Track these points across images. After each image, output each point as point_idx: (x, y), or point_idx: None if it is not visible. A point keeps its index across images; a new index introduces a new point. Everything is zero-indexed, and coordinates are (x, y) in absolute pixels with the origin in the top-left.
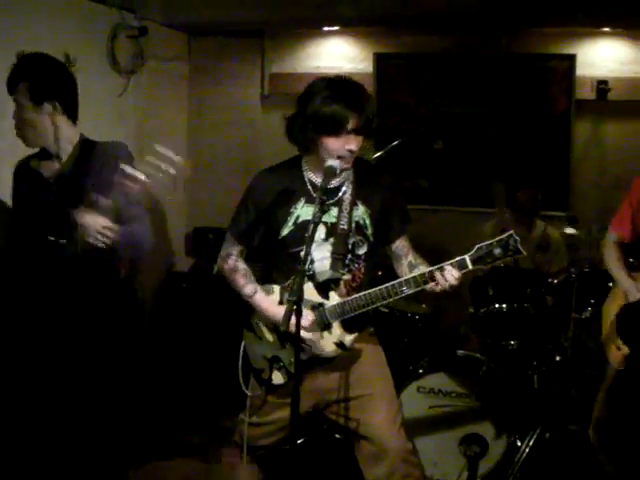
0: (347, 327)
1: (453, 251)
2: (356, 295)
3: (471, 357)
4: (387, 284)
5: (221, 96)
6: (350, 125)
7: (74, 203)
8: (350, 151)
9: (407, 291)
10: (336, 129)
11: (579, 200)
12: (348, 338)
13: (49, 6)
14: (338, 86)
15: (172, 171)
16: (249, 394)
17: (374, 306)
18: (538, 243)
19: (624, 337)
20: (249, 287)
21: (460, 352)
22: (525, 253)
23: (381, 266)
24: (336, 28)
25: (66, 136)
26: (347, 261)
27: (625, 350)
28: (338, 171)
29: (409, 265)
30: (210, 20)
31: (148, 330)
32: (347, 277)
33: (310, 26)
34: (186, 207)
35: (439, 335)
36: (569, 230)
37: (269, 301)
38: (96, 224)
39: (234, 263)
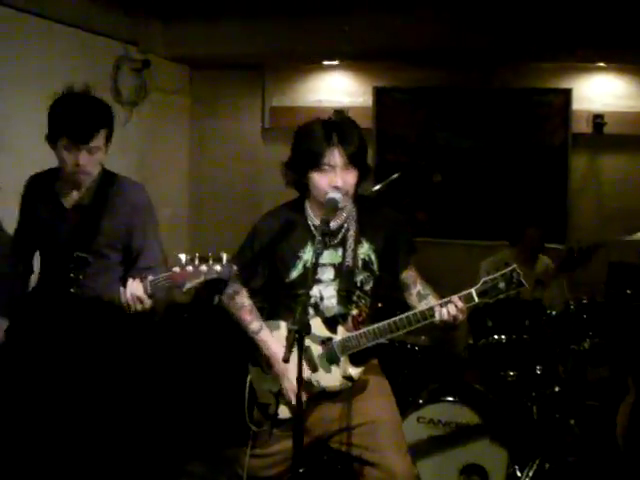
0: (354, 360)
1: (452, 283)
2: (364, 329)
3: (470, 388)
4: (395, 318)
5: (222, 128)
6: (330, 159)
7: (87, 236)
8: (336, 187)
9: (414, 325)
10: (315, 163)
11: (577, 232)
12: (355, 371)
13: (53, 37)
14: (321, 123)
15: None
16: (254, 429)
17: (381, 340)
18: (538, 279)
19: None
20: (255, 324)
21: (459, 383)
22: (527, 286)
23: (381, 298)
24: (336, 62)
25: None
26: (354, 297)
27: None
28: (340, 204)
29: (418, 295)
30: (212, 53)
31: (149, 360)
32: (354, 312)
33: (310, 60)
34: (187, 238)
35: (439, 366)
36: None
37: (274, 338)
38: (137, 297)
39: (239, 299)
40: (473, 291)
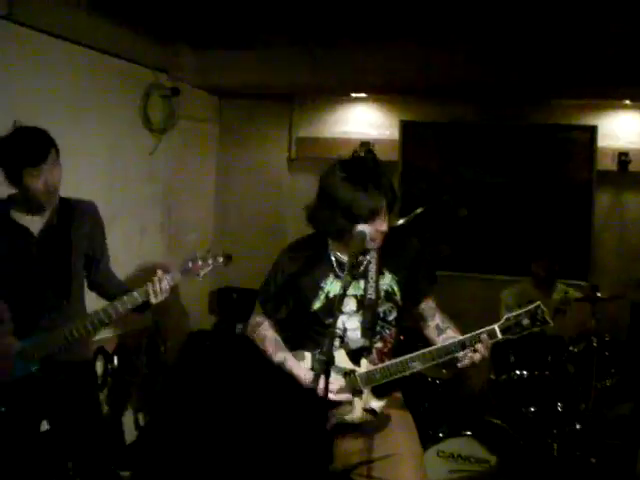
0: (377, 393)
1: (474, 317)
2: (387, 363)
3: (491, 423)
4: (417, 352)
5: (249, 158)
6: (378, 212)
7: (59, 259)
8: (382, 232)
9: (437, 360)
10: (372, 217)
11: (600, 270)
12: (378, 404)
13: (84, 64)
14: (353, 174)
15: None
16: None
17: (405, 373)
18: (556, 307)
19: None
20: (279, 354)
21: (480, 418)
22: (552, 323)
23: (404, 330)
24: (363, 95)
25: None
26: (378, 328)
27: None
28: (367, 237)
29: (437, 328)
30: (241, 83)
31: (170, 388)
32: (378, 345)
33: (338, 92)
34: None
35: (459, 400)
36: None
37: (300, 368)
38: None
39: (263, 331)
40: (496, 327)
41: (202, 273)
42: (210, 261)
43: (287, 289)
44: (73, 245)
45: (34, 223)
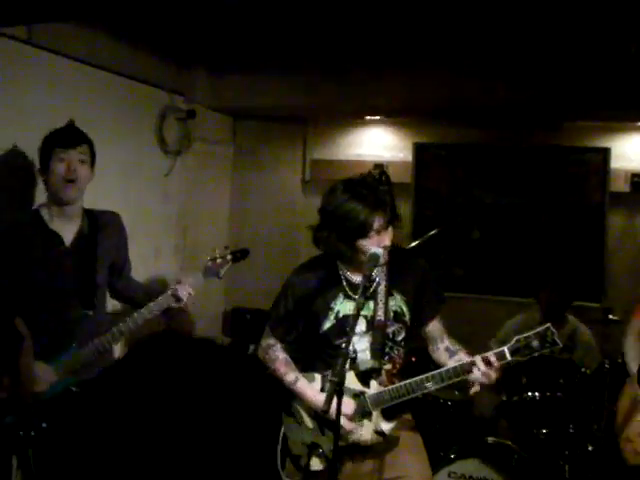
0: (386, 415)
1: (487, 339)
2: (396, 384)
3: (503, 444)
4: (427, 374)
5: (263, 180)
6: (377, 225)
7: (87, 269)
8: (385, 247)
9: (447, 381)
10: (365, 233)
11: (613, 291)
12: (387, 426)
13: (100, 85)
14: (352, 190)
15: None
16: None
17: (414, 395)
18: (565, 344)
19: None
20: (290, 375)
21: (491, 439)
22: (561, 345)
23: (415, 351)
24: (377, 117)
25: None
26: (387, 349)
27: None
28: (381, 259)
29: (446, 349)
30: (255, 105)
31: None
32: (388, 367)
33: (352, 114)
34: (225, 286)
35: (471, 421)
36: None
37: (311, 388)
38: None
39: (274, 353)
40: (506, 349)
41: (222, 271)
42: (229, 257)
43: (298, 311)
44: (99, 256)
45: (66, 231)
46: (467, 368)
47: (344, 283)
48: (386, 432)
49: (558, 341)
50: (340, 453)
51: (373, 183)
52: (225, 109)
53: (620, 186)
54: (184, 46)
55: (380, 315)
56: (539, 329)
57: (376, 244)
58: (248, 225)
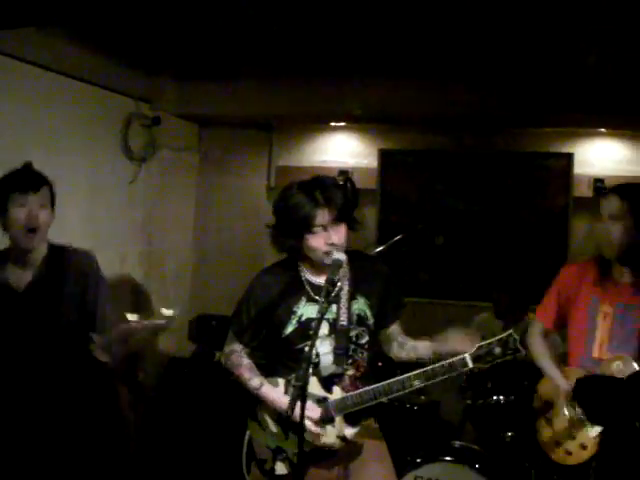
0: (349, 420)
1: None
2: (359, 390)
3: (469, 448)
4: (389, 380)
5: (228, 186)
6: (321, 220)
7: (45, 315)
8: (332, 244)
9: (408, 388)
10: (308, 227)
11: None
12: (350, 431)
13: (66, 92)
14: (303, 187)
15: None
16: None
17: (377, 401)
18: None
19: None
20: (255, 380)
21: (457, 443)
22: (524, 352)
23: (381, 356)
24: (343, 124)
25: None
26: (350, 352)
27: (578, 452)
28: (344, 264)
29: (400, 345)
30: (221, 112)
31: (149, 415)
32: (351, 372)
33: (317, 121)
34: (190, 293)
35: (437, 425)
36: None
37: (276, 393)
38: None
39: (238, 359)
40: (467, 356)
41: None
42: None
43: (260, 316)
44: (65, 300)
45: (20, 278)
46: (429, 375)
47: (306, 286)
48: (349, 437)
49: (520, 348)
50: (304, 458)
51: (327, 182)
52: (190, 116)
53: (583, 191)
54: (150, 53)
55: (343, 319)
56: (501, 335)
57: (323, 240)
58: (213, 232)
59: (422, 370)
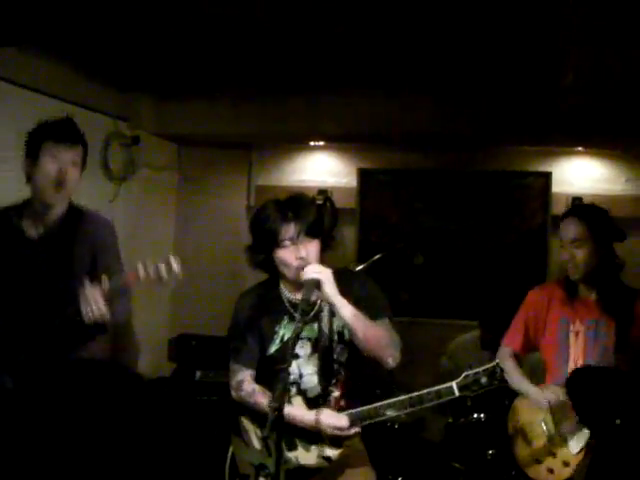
0: (333, 441)
1: (433, 362)
2: (345, 412)
3: (451, 466)
4: (375, 404)
5: (208, 206)
6: (288, 233)
7: (55, 268)
8: (301, 259)
9: (392, 413)
10: (274, 240)
11: None
12: (333, 452)
13: (44, 111)
14: (275, 203)
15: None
16: None
17: (361, 425)
18: None
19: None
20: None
21: (440, 461)
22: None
23: (362, 376)
24: (322, 143)
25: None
26: (334, 372)
27: (560, 469)
28: (322, 286)
29: None
30: (200, 132)
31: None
32: (336, 394)
33: (296, 141)
34: (170, 313)
35: (419, 444)
36: None
37: (297, 409)
38: (95, 300)
39: (248, 387)
40: (454, 384)
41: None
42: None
43: (251, 335)
44: (75, 259)
45: (35, 229)
46: (414, 401)
47: (287, 305)
48: (332, 458)
49: (507, 378)
50: (286, 477)
51: (298, 198)
52: (170, 135)
53: (561, 209)
54: (129, 72)
55: (324, 339)
56: (488, 365)
57: (292, 255)
58: (193, 251)
59: (407, 397)
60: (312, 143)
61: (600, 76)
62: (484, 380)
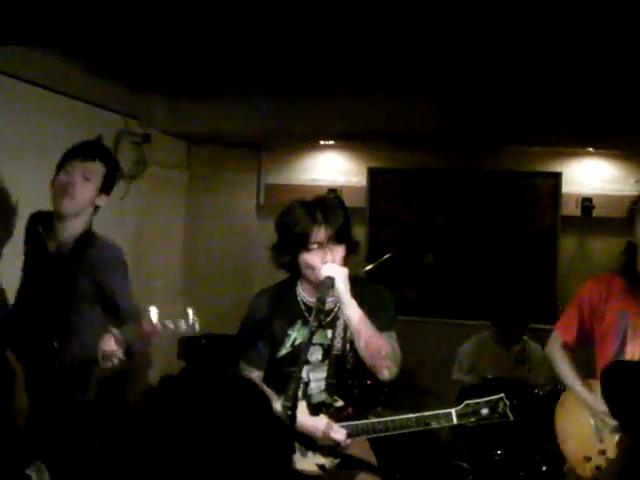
0: (330, 451)
1: (440, 362)
2: (343, 424)
3: (458, 466)
4: (372, 420)
5: (218, 204)
6: (317, 238)
7: (62, 288)
8: (326, 263)
9: (391, 432)
10: (304, 244)
11: None
12: (329, 461)
13: (55, 109)
14: (304, 204)
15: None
16: None
17: (357, 437)
18: (516, 358)
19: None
20: (275, 405)
21: (447, 462)
22: (512, 418)
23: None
24: (331, 142)
25: (85, 226)
26: (342, 382)
27: (596, 461)
28: (340, 284)
29: None
30: (211, 130)
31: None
32: (339, 404)
33: (306, 139)
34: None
35: (427, 444)
36: None
37: (302, 415)
38: (111, 351)
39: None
40: (453, 412)
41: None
42: (170, 325)
43: (262, 336)
44: (78, 283)
45: (53, 241)
46: (412, 423)
47: (303, 308)
48: (327, 467)
49: (509, 414)
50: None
51: (327, 201)
52: (180, 134)
53: (571, 210)
54: (140, 70)
55: (338, 348)
56: (492, 397)
57: (319, 259)
58: (202, 250)
59: (408, 417)
60: (322, 142)
61: (610, 76)
62: (485, 412)
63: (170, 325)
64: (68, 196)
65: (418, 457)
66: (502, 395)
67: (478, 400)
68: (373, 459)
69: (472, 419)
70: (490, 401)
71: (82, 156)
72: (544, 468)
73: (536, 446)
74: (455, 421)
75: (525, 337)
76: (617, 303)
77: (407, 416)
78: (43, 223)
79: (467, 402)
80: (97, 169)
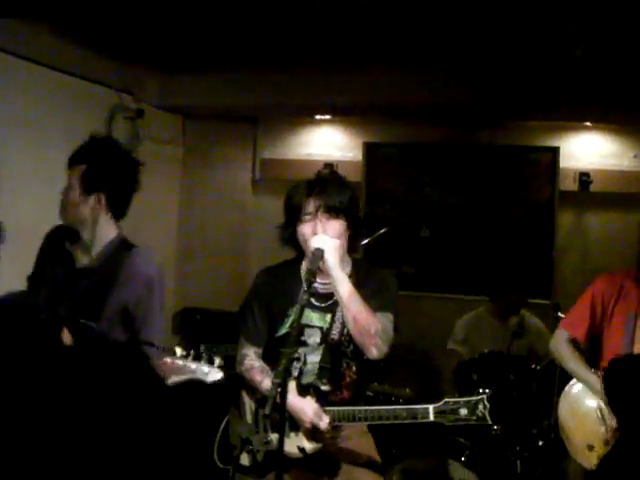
0: (312, 435)
1: (437, 336)
2: (327, 408)
3: (455, 441)
4: (353, 408)
5: (213, 179)
6: (310, 208)
7: (93, 304)
8: (316, 234)
9: (369, 421)
10: (296, 213)
11: (562, 288)
12: (310, 446)
13: (50, 85)
14: (306, 180)
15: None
16: (219, 465)
17: (341, 424)
18: (514, 331)
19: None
20: (266, 382)
21: (444, 436)
22: (490, 422)
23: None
24: (327, 117)
25: (102, 232)
26: (335, 368)
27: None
28: (325, 255)
29: None
30: (205, 105)
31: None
32: (326, 388)
33: (302, 114)
34: (174, 286)
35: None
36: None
37: (290, 393)
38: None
39: (250, 363)
40: (431, 408)
41: (173, 379)
42: (192, 367)
43: (264, 313)
44: (106, 301)
45: (79, 257)
46: (389, 416)
47: (305, 288)
48: (307, 451)
49: (488, 418)
50: (266, 462)
51: (326, 175)
52: (174, 108)
53: (569, 185)
54: (133, 45)
55: (335, 333)
56: (472, 397)
57: (310, 230)
58: (197, 225)
59: (386, 408)
60: (318, 116)
61: (609, 50)
62: (463, 412)
63: (192, 367)
64: (61, 209)
65: (415, 432)
66: (483, 397)
67: (458, 399)
68: (376, 455)
69: (450, 418)
70: (469, 401)
71: (69, 164)
72: (540, 443)
73: (532, 421)
74: (432, 417)
75: (523, 310)
76: (627, 303)
77: (386, 408)
78: (69, 238)
79: (446, 400)
80: (79, 173)
